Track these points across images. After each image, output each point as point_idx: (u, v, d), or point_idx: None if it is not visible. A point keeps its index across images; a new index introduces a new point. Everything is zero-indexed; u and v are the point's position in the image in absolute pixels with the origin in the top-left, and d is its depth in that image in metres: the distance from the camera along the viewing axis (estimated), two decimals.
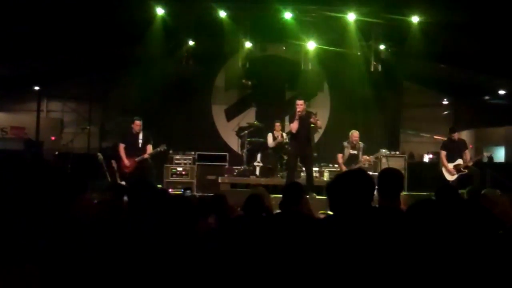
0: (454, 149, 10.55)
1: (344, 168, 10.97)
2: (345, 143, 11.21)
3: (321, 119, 14.78)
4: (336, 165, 13.03)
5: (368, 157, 11.19)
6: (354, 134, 11.15)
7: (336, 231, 3.41)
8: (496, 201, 4.77)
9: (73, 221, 3.75)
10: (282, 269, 3.31)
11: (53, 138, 17.53)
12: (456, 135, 10.74)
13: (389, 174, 4.24)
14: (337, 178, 3.54)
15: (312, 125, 10.07)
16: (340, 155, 11.17)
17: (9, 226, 2.63)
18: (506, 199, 5.56)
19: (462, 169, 10.37)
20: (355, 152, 11.11)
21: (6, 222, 2.60)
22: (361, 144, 11.18)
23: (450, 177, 10.45)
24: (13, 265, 2.18)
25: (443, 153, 10.64)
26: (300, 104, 9.94)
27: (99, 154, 11.10)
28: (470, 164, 10.45)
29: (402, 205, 4.27)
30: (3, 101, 17.78)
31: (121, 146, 10.61)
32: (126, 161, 10.42)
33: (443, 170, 10.60)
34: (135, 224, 3.81)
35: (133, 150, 10.53)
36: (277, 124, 12.49)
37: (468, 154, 10.63)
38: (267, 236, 3.88)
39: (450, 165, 10.46)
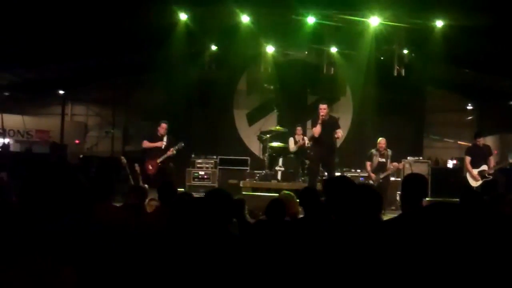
0: (479, 155, 10.38)
1: (373, 176, 10.96)
2: (374, 151, 11.14)
3: (344, 124, 14.75)
4: (358, 170, 13.00)
5: (396, 164, 11.13)
6: (382, 142, 11.06)
7: (357, 236, 3.41)
8: None
9: (97, 224, 3.79)
10: (302, 272, 3.31)
11: (77, 141, 17.78)
12: (481, 141, 10.55)
13: (413, 180, 4.22)
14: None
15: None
16: (368, 163, 11.12)
17: (37, 226, 2.68)
18: None
19: (486, 175, 10.19)
20: (383, 160, 11.04)
21: (34, 223, 2.64)
22: (389, 152, 11.11)
23: (474, 183, 10.27)
24: (51, 266, 2.21)
25: (468, 159, 10.48)
26: (323, 108, 9.89)
27: (122, 157, 11.20)
28: (492, 172, 10.27)
29: None
30: (28, 105, 18.07)
31: (145, 142, 10.74)
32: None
33: (468, 175, 10.44)
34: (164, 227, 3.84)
35: (157, 152, 10.61)
36: (299, 129, 12.45)
37: (492, 160, 10.50)
38: (287, 241, 3.88)
39: (475, 171, 10.29)
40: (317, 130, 9.91)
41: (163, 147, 10.67)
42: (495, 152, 17.64)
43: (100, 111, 18.63)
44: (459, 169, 11.62)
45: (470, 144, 11.23)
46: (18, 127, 17.88)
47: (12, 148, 16.99)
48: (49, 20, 12.06)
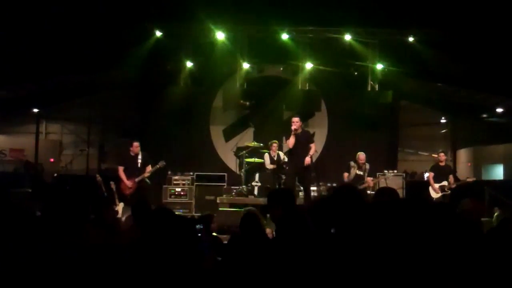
0: (441, 172, 11.65)
1: None
2: (352, 163, 11.32)
3: (319, 139, 14.85)
4: (334, 184, 13.07)
5: (373, 179, 11.37)
6: (361, 156, 11.30)
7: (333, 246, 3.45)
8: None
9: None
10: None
11: (52, 160, 17.55)
12: (443, 157, 11.86)
13: (384, 193, 4.29)
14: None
15: None
16: (346, 174, 11.28)
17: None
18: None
19: (446, 189, 11.43)
20: (361, 173, 11.23)
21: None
22: (367, 166, 11.31)
23: (435, 195, 11.53)
24: None
25: (431, 174, 11.75)
26: (295, 121, 9.95)
27: (97, 175, 11.11)
28: (454, 186, 11.42)
29: None
30: (2, 123, 17.81)
31: (120, 169, 10.58)
32: (128, 182, 10.38)
33: (430, 188, 11.67)
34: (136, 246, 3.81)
35: (133, 171, 10.50)
36: (274, 144, 12.39)
37: (452, 178, 11.62)
38: (264, 254, 3.88)
39: (436, 185, 11.54)
40: (290, 141, 9.93)
41: (139, 165, 10.59)
42: (468, 164, 17.93)
43: (75, 129, 18.46)
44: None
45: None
46: None
47: None
48: (22, 38, 12.00)
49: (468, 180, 12.02)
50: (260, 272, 3.45)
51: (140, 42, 13.17)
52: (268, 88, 15.12)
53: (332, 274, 3.27)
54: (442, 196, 11.40)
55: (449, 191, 11.39)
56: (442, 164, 11.78)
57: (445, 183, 11.46)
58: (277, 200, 4.28)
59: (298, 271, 3.31)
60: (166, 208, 5.53)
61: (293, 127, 9.86)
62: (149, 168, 10.54)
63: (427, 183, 12.06)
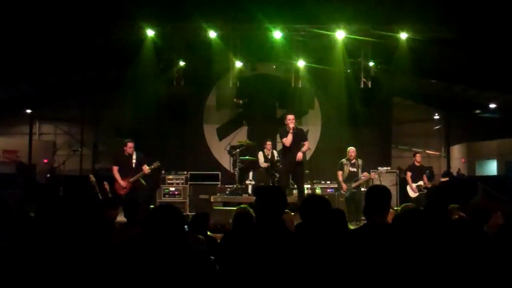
0: (417, 172, 12.14)
1: (344, 186, 11.05)
2: (344, 161, 11.26)
3: (313, 136, 14.85)
4: (328, 182, 13.08)
5: (367, 174, 11.30)
6: (350, 150, 11.23)
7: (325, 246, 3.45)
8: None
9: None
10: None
11: (45, 160, 17.51)
12: (418, 158, 12.26)
13: (376, 191, 4.27)
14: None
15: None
16: (340, 173, 11.24)
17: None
18: (499, 212, 5.62)
19: (422, 188, 11.94)
20: (354, 169, 11.16)
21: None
22: (360, 161, 11.26)
23: (412, 194, 12.02)
24: None
25: (409, 174, 12.20)
26: (292, 119, 9.93)
27: (91, 176, 11.05)
28: (430, 186, 12.01)
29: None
30: None
31: (115, 169, 10.46)
32: (122, 183, 10.28)
33: (408, 188, 12.17)
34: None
35: (127, 171, 10.39)
36: (268, 143, 12.34)
37: (425, 178, 12.14)
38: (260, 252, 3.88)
39: (414, 185, 12.03)
40: (288, 139, 9.88)
41: (133, 165, 10.50)
42: (462, 160, 18.00)
43: (68, 129, 18.44)
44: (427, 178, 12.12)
45: (438, 153, 11.96)
46: None
47: None
48: (15, 39, 11.95)
49: (443, 180, 12.82)
50: (253, 270, 3.45)
51: (132, 41, 13.12)
52: (261, 86, 15.13)
53: (323, 273, 3.28)
54: (419, 195, 11.85)
55: (425, 190, 11.90)
56: (418, 164, 12.22)
57: (421, 182, 11.97)
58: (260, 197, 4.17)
59: (293, 269, 3.31)
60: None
61: (291, 125, 9.85)
62: (146, 167, 10.38)
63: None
